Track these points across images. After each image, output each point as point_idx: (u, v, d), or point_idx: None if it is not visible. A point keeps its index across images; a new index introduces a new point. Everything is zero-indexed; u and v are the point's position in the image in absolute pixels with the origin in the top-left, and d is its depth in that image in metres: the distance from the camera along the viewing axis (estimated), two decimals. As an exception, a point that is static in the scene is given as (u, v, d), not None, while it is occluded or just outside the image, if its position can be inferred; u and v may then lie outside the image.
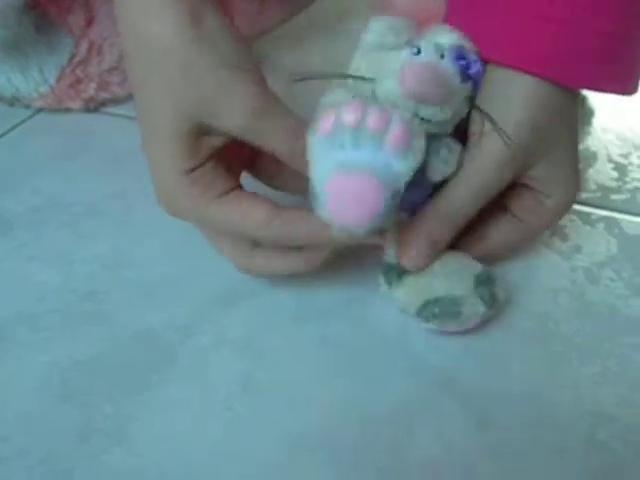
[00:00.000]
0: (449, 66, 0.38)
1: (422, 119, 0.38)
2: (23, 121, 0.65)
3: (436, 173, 0.41)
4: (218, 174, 0.39)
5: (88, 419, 0.38)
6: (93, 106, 0.67)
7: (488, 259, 0.44)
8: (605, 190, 0.56)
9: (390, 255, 0.42)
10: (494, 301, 0.41)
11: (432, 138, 0.38)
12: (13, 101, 0.66)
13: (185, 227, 0.48)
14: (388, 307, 0.44)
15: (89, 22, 0.66)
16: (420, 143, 0.35)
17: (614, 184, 0.56)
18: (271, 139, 0.38)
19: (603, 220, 0.52)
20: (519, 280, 0.47)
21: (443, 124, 0.39)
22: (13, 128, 0.64)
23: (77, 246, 0.50)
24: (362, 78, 0.39)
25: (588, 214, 0.53)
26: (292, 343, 0.42)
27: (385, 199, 0.35)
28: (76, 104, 0.66)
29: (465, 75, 0.39)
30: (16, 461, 0.36)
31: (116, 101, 0.68)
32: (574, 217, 0.52)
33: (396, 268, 0.42)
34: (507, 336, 0.43)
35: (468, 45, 0.39)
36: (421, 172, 0.40)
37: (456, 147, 0.41)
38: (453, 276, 0.41)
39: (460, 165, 0.41)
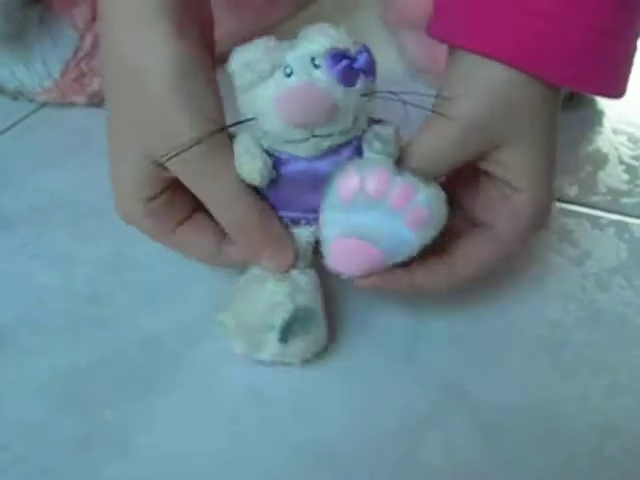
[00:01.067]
0: (325, 79, 0.35)
1: (321, 136, 0.36)
2: (26, 116, 0.64)
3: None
4: (172, 206, 0.40)
5: (89, 427, 0.37)
6: (97, 101, 0.66)
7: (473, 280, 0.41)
8: (615, 193, 0.55)
9: None
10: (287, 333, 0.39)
11: (355, 140, 0.37)
12: (17, 95, 0.66)
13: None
14: (395, 317, 0.43)
15: (94, 16, 0.65)
16: (440, 217, 0.36)
17: (625, 187, 0.56)
18: (208, 203, 0.39)
19: (613, 224, 0.52)
20: (530, 286, 0.46)
21: (350, 130, 0.37)
22: (16, 123, 0.63)
23: (79, 246, 0.49)
24: (247, 120, 0.37)
25: (598, 218, 0.52)
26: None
27: (388, 263, 0.37)
28: (80, 99, 0.65)
29: (350, 76, 0.35)
30: (14, 469, 0.36)
31: (120, 96, 0.67)
32: (583, 221, 0.52)
33: None
34: (517, 345, 0.42)
35: (343, 41, 0.36)
36: None
37: (387, 131, 0.37)
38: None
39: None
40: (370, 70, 0.36)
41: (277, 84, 0.35)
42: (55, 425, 0.38)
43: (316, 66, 0.35)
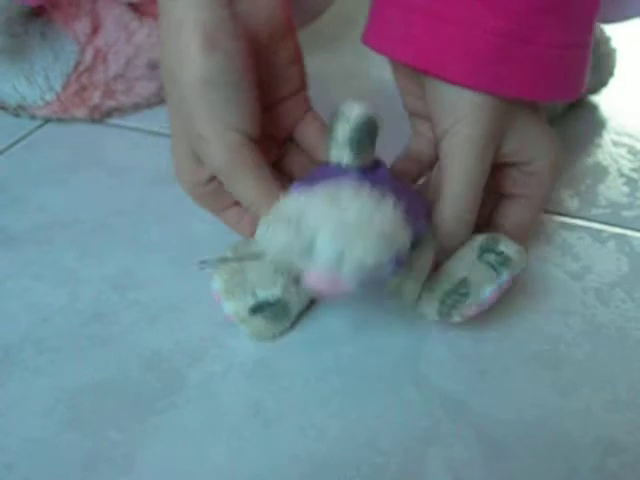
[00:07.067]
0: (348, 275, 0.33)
1: None
2: (29, 133, 0.64)
3: None
4: (223, 190, 0.43)
5: (94, 446, 0.38)
6: (99, 115, 0.67)
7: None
8: (616, 206, 0.55)
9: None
10: (505, 260, 0.41)
11: None
12: (18, 110, 0.66)
13: (193, 244, 0.48)
14: (399, 331, 0.44)
15: (95, 30, 0.65)
16: None
17: (625, 200, 0.56)
18: (239, 194, 0.42)
19: (614, 237, 0.52)
20: (530, 300, 0.46)
21: None
22: (18, 141, 0.63)
23: (83, 265, 0.49)
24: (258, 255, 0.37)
25: (599, 231, 0.52)
26: (301, 368, 0.42)
27: None
28: (81, 112, 0.66)
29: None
30: (20, 489, 0.36)
31: (121, 110, 0.67)
32: (584, 234, 0.52)
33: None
34: (518, 361, 0.42)
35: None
36: None
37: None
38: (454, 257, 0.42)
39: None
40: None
41: (308, 262, 0.34)
42: (60, 445, 0.38)
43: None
